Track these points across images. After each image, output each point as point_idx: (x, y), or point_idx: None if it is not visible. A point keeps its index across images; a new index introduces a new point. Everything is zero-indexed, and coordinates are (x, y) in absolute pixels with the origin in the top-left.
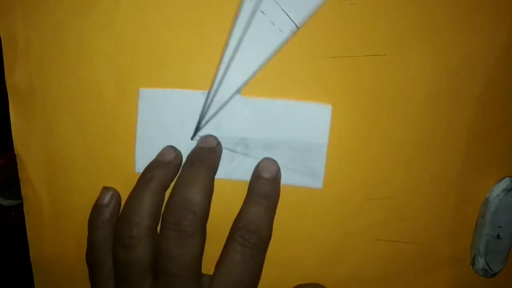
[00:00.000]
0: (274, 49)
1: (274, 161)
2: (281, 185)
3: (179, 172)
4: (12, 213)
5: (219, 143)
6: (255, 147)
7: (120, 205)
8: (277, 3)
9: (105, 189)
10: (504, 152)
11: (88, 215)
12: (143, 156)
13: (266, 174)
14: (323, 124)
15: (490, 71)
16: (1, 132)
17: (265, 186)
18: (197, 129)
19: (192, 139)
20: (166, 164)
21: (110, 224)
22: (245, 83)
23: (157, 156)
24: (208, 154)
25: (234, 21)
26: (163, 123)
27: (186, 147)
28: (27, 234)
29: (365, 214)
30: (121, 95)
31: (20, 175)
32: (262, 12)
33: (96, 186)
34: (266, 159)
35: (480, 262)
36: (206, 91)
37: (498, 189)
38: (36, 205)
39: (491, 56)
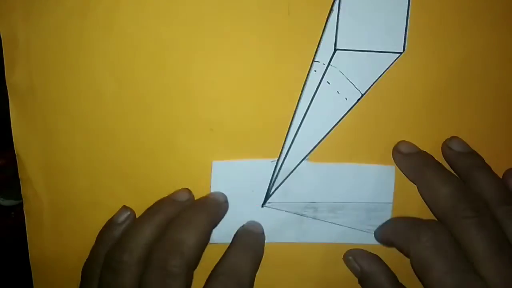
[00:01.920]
0: (340, 117)
1: (259, 224)
2: (345, 244)
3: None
4: (12, 213)
5: (226, 201)
6: (323, 210)
7: None
8: (342, 73)
9: (124, 208)
10: (504, 152)
11: (88, 216)
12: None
13: (251, 228)
14: (388, 185)
15: (490, 71)
16: (1, 132)
17: (251, 237)
18: (267, 196)
19: (262, 206)
20: (176, 203)
21: None
22: (312, 150)
23: (170, 195)
24: (213, 205)
25: (301, 92)
26: (234, 191)
27: (257, 214)
28: (27, 234)
29: None
30: (123, 95)
31: (20, 175)
32: (327, 82)
33: (96, 187)
34: (251, 221)
35: None
36: (275, 159)
37: None
38: (36, 205)
39: (491, 56)
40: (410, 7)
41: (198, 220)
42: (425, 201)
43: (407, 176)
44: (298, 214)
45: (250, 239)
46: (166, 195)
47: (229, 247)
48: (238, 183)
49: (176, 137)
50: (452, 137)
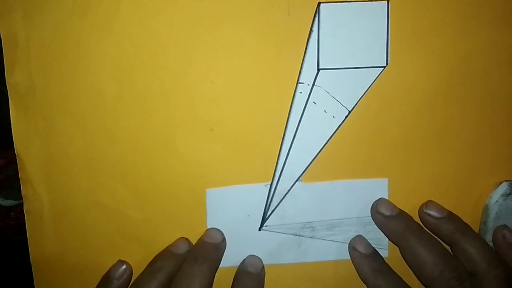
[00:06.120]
0: (329, 136)
1: (259, 258)
2: (346, 260)
3: (182, 265)
4: (12, 213)
5: (224, 240)
6: (321, 229)
7: (130, 280)
8: (327, 92)
9: (120, 262)
10: (503, 152)
11: (88, 216)
12: None
13: (251, 269)
14: (382, 197)
15: (490, 71)
16: (1, 132)
17: (250, 280)
18: (264, 219)
19: (259, 229)
20: (177, 256)
21: None
22: (305, 171)
23: (169, 246)
24: (212, 250)
25: (288, 114)
26: (231, 218)
27: (254, 238)
28: (27, 234)
29: None
30: (123, 94)
31: (20, 175)
32: (314, 102)
33: (96, 187)
34: (251, 256)
35: None
36: (269, 183)
37: (496, 195)
38: (36, 205)
39: (491, 56)
40: (389, 19)
41: (201, 273)
42: (408, 265)
43: (389, 239)
44: (296, 235)
45: (249, 284)
46: (165, 195)
47: None
48: (234, 209)
49: (176, 137)
50: (428, 202)
